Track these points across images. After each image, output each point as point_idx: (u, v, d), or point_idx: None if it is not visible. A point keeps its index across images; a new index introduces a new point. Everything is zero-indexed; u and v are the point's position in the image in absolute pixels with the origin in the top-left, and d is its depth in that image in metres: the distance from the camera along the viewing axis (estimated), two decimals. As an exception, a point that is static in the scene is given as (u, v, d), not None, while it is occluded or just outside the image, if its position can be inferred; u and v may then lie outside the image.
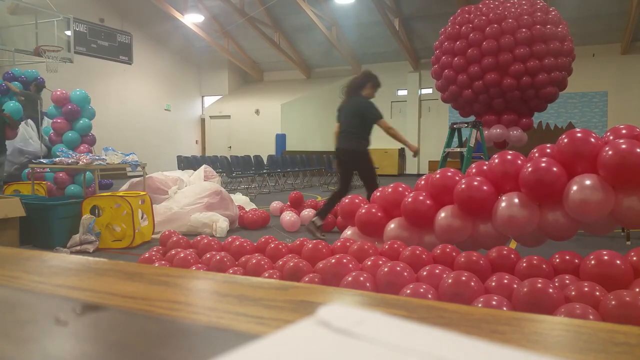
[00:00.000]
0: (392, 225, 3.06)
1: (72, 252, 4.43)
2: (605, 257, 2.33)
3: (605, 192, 2.44)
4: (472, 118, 7.26)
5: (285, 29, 16.88)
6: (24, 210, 4.46)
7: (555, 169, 2.58)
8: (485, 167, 2.92)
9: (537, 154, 2.80)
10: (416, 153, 4.90)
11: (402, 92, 17.48)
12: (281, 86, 18.80)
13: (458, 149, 6.62)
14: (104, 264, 0.57)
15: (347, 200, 3.40)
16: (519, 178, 2.68)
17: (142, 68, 16.29)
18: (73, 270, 0.54)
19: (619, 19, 13.33)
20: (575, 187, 2.50)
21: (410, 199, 2.98)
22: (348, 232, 3.30)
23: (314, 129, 17.70)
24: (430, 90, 16.26)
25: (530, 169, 2.62)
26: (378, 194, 3.26)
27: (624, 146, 2.42)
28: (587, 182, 2.48)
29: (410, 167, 17.03)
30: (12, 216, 4.41)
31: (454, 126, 6.76)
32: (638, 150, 2.39)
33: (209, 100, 19.75)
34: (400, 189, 3.17)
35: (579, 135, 2.62)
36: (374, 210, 3.16)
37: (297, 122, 17.69)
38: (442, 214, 2.88)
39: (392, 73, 17.41)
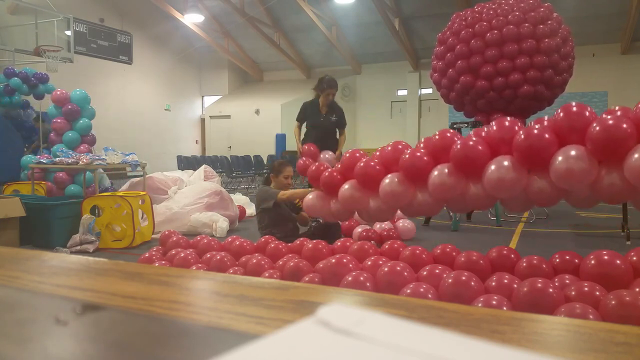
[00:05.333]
0: (387, 180, 3.01)
1: (72, 252, 4.43)
2: (605, 257, 2.33)
3: (589, 162, 2.46)
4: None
5: (285, 29, 16.88)
6: (24, 210, 4.47)
7: (547, 135, 2.57)
8: (483, 134, 2.92)
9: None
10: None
11: (402, 92, 17.48)
12: (281, 86, 18.80)
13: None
14: (104, 264, 0.57)
15: (347, 155, 3.35)
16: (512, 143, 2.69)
17: (142, 68, 16.29)
18: (73, 270, 0.54)
19: (619, 19, 13.33)
20: (560, 157, 2.51)
21: (407, 155, 2.95)
22: (346, 185, 3.25)
23: (314, 129, 17.67)
24: (430, 90, 16.26)
25: (523, 136, 2.62)
26: (377, 152, 3.24)
27: (611, 122, 2.41)
28: (573, 152, 2.49)
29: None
30: (12, 216, 4.41)
31: (454, 126, 6.78)
32: (624, 125, 2.37)
33: (209, 100, 19.74)
34: (400, 146, 3.16)
35: (574, 109, 2.62)
36: (372, 163, 3.12)
37: (297, 122, 17.68)
38: (436, 172, 2.88)
39: (392, 73, 17.43)
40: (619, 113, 2.61)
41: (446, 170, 2.78)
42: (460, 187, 2.81)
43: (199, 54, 18.86)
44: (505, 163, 2.65)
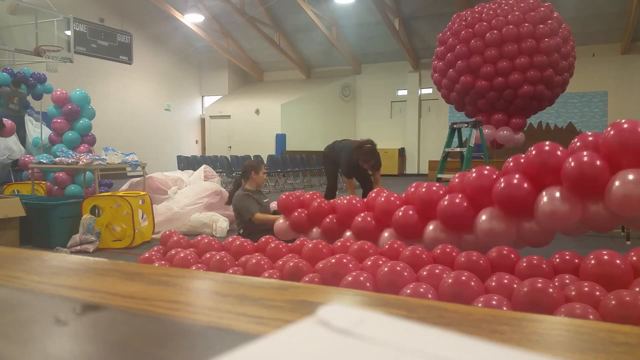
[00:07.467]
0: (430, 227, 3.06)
1: (72, 252, 4.43)
2: (605, 257, 2.33)
3: (571, 202, 2.51)
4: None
5: (285, 29, 16.88)
6: (24, 210, 4.47)
7: (525, 185, 2.64)
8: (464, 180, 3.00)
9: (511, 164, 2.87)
10: None
11: (402, 92, 17.48)
12: (281, 86, 18.79)
13: (458, 149, 6.64)
14: (104, 264, 0.57)
15: (382, 199, 3.35)
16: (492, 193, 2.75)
17: (142, 68, 16.28)
18: (73, 270, 0.54)
19: (619, 18, 13.33)
20: (545, 199, 2.56)
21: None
22: (386, 234, 3.27)
23: (314, 129, 17.70)
24: (430, 90, 16.26)
25: (502, 185, 2.70)
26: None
27: (585, 159, 2.47)
28: (557, 194, 2.54)
29: (410, 167, 17.03)
30: (12, 216, 4.41)
31: (454, 126, 6.78)
32: (598, 162, 2.45)
33: (209, 100, 19.74)
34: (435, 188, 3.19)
35: (546, 148, 2.69)
36: (410, 212, 3.15)
37: (297, 122, 17.69)
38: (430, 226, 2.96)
39: (392, 73, 17.43)
40: (590, 139, 2.67)
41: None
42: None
43: (199, 54, 18.86)
44: (492, 214, 2.74)
